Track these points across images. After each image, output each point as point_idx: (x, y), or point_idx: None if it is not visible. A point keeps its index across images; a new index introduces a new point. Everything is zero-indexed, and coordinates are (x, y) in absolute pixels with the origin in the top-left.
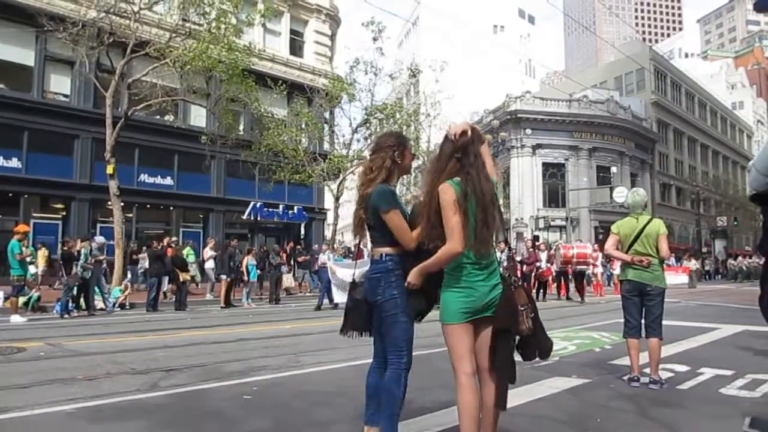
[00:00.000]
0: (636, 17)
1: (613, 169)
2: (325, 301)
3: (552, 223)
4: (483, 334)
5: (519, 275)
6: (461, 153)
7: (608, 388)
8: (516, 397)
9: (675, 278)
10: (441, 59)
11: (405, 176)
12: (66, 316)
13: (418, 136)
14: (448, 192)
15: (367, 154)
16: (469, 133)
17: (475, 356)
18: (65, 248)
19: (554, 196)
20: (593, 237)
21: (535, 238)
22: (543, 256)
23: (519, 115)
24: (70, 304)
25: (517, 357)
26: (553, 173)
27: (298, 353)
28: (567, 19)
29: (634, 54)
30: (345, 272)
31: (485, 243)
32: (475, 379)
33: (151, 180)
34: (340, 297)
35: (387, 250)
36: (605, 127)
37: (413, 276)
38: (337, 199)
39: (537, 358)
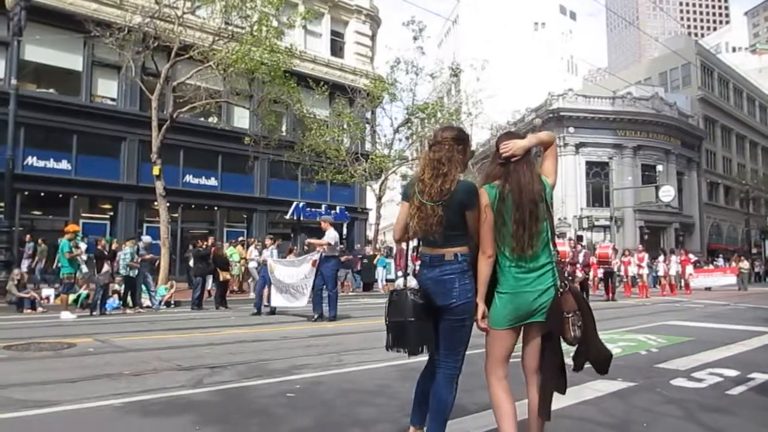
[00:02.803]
0: (681, 11)
1: (659, 168)
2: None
3: (596, 223)
4: (533, 337)
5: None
6: (504, 159)
7: (655, 392)
8: (559, 399)
9: (723, 279)
10: (482, 58)
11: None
12: (95, 312)
13: None
14: (482, 198)
15: (409, 153)
16: (519, 154)
17: (524, 358)
18: (98, 247)
19: (598, 196)
20: (638, 237)
21: (579, 238)
22: (580, 256)
23: (561, 114)
24: (116, 302)
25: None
26: (597, 172)
27: (339, 352)
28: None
29: (680, 49)
30: (284, 272)
31: (521, 244)
32: (507, 382)
33: (195, 181)
34: (279, 300)
35: (462, 249)
36: (650, 124)
37: (481, 303)
38: (379, 198)
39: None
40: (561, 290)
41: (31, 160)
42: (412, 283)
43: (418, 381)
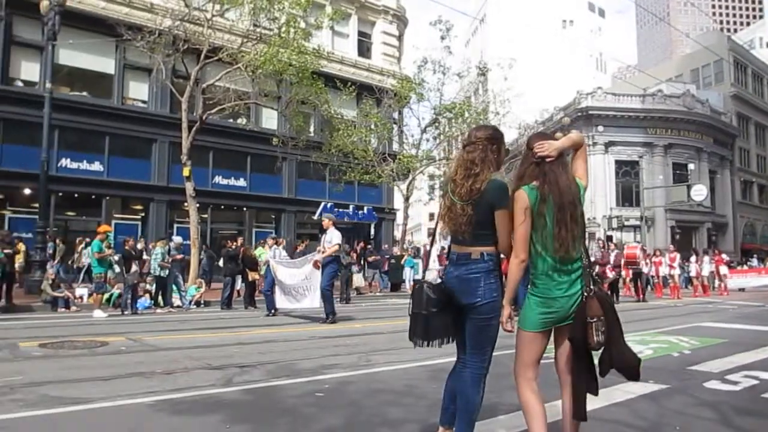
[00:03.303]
0: (713, 6)
1: (691, 166)
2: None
3: (626, 223)
4: (566, 339)
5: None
6: (539, 158)
7: (687, 394)
8: (590, 400)
9: (758, 280)
10: (509, 56)
11: None
12: (126, 312)
13: None
14: (519, 199)
15: (436, 153)
16: (554, 155)
17: (557, 360)
18: (126, 247)
19: (628, 195)
20: (669, 237)
21: (608, 238)
22: (611, 257)
23: (590, 112)
24: (148, 301)
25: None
26: (627, 171)
27: (368, 352)
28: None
29: (712, 45)
30: (286, 273)
31: (565, 246)
32: (536, 384)
33: (225, 182)
34: (282, 301)
35: (489, 249)
36: (681, 122)
37: (508, 306)
38: (406, 199)
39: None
40: (586, 295)
41: (65, 162)
42: (430, 277)
43: (447, 380)
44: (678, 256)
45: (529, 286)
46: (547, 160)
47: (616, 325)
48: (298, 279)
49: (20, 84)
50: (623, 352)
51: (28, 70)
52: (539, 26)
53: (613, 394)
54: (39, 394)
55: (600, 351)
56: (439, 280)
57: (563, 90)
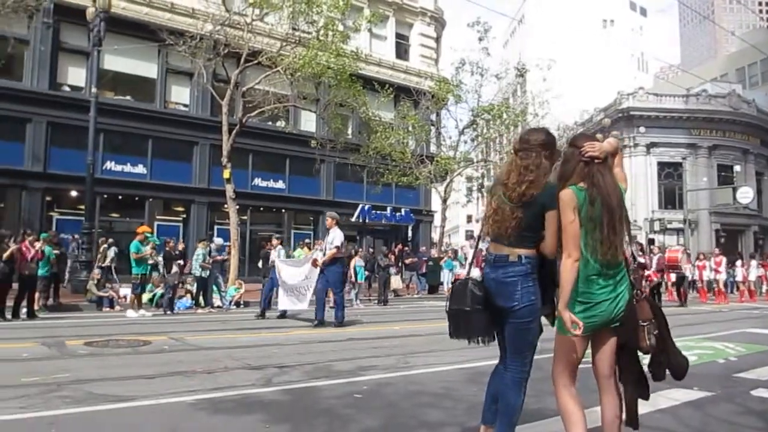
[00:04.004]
0: (759, 3)
1: (736, 168)
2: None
3: (668, 226)
4: (606, 342)
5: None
6: (589, 158)
7: (734, 402)
8: None
9: None
10: (548, 57)
11: None
12: (169, 312)
13: None
14: (568, 198)
15: (474, 155)
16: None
17: (595, 364)
18: (167, 248)
19: (670, 198)
20: (714, 240)
21: (650, 242)
22: (653, 261)
23: (632, 113)
24: (189, 301)
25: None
26: (669, 173)
27: (406, 354)
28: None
29: (759, 43)
30: (289, 273)
31: (614, 249)
32: (575, 389)
33: (264, 184)
34: (285, 303)
35: (528, 252)
36: (727, 123)
37: (564, 312)
38: (444, 201)
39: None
40: (637, 298)
41: (110, 165)
42: (475, 273)
43: (490, 380)
44: (724, 260)
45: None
46: (595, 161)
47: (665, 327)
48: (298, 279)
49: (67, 89)
50: (674, 352)
51: (75, 76)
52: (579, 26)
53: (656, 400)
54: (84, 391)
55: (649, 355)
56: (481, 279)
57: (604, 91)
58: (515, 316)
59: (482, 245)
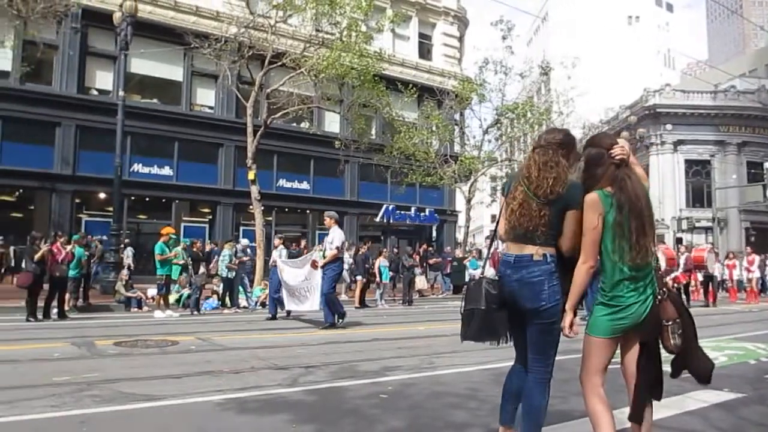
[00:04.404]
0: None
1: (767, 165)
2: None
3: (696, 225)
4: (634, 344)
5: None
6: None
7: (766, 404)
8: (663, 408)
9: None
10: (572, 55)
11: None
12: (195, 312)
13: None
14: (594, 203)
15: (498, 155)
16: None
17: (624, 365)
18: (193, 249)
19: (698, 196)
20: (744, 239)
21: (678, 241)
22: (681, 260)
23: (658, 110)
24: (215, 302)
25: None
26: (697, 171)
27: (431, 354)
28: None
29: None
30: (291, 273)
31: (644, 251)
32: (603, 390)
33: (288, 185)
34: (289, 303)
35: (551, 250)
36: (756, 119)
37: (571, 312)
38: (468, 200)
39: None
40: (659, 298)
41: (137, 167)
42: (490, 272)
43: (506, 379)
44: (757, 258)
45: (599, 292)
46: (619, 156)
47: (691, 327)
48: (299, 280)
49: (95, 93)
50: (699, 355)
51: (102, 79)
52: (604, 23)
53: (685, 402)
54: (114, 390)
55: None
56: (497, 278)
57: (629, 88)
58: (541, 317)
59: (499, 245)
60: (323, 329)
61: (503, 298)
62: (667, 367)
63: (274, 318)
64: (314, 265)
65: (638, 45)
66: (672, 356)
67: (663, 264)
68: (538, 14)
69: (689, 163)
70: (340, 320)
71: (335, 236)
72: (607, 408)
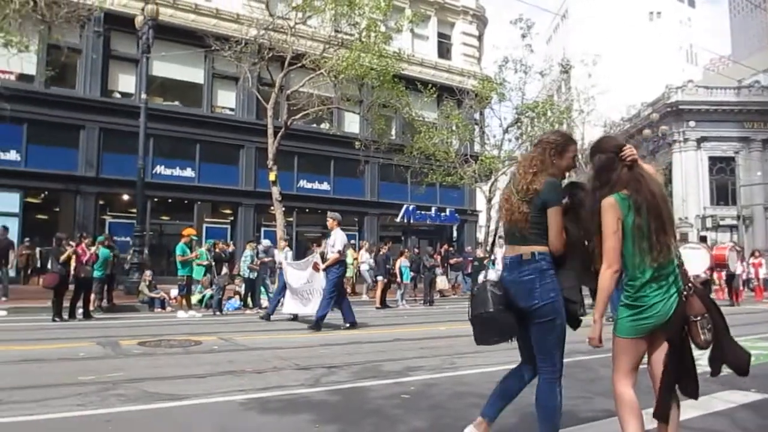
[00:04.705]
0: None
1: None
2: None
3: (721, 223)
4: (661, 343)
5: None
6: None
7: None
8: (690, 409)
9: None
10: (593, 52)
11: None
12: (218, 313)
13: (571, 133)
14: (611, 208)
15: (518, 154)
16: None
17: (652, 365)
18: (216, 250)
19: (723, 193)
20: None
21: (702, 239)
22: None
23: (680, 107)
24: (237, 302)
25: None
26: (721, 168)
27: (453, 355)
28: None
29: None
30: (295, 276)
31: (665, 250)
32: (634, 392)
33: (309, 185)
34: (291, 306)
35: (540, 248)
36: None
37: (599, 322)
38: (489, 200)
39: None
40: (685, 293)
41: (159, 169)
42: (492, 276)
43: (504, 377)
44: None
45: (623, 294)
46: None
47: (722, 320)
48: (301, 282)
49: (118, 96)
50: (733, 347)
51: (125, 82)
52: (624, 20)
53: (711, 403)
54: (138, 389)
55: (707, 350)
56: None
57: (651, 85)
58: (537, 315)
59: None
60: (345, 329)
61: (509, 299)
62: (705, 367)
63: (267, 319)
64: (316, 267)
65: (660, 41)
66: (707, 353)
67: (702, 264)
68: (557, 12)
69: (713, 160)
70: (313, 328)
71: (337, 239)
72: (636, 409)
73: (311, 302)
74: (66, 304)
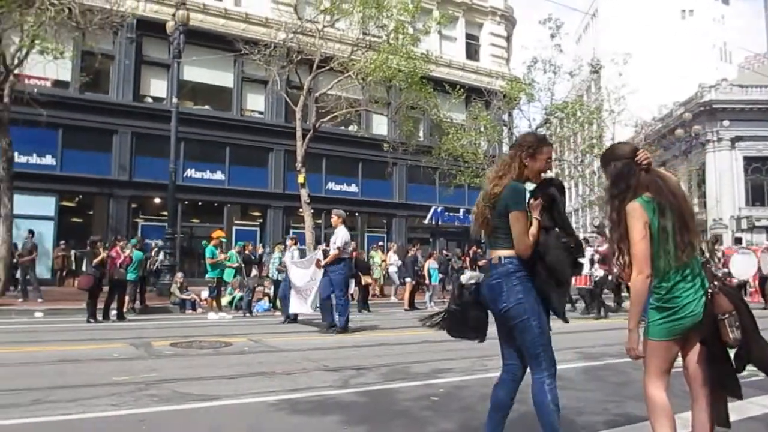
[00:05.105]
0: None
1: None
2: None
3: (756, 224)
4: (695, 343)
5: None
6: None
7: None
8: None
9: None
10: (623, 52)
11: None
12: (247, 314)
13: (601, 134)
14: (637, 212)
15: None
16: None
17: (686, 368)
18: (245, 252)
19: (758, 194)
20: None
21: (737, 241)
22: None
23: (714, 106)
24: (266, 304)
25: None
26: (757, 168)
27: (482, 357)
28: None
29: None
30: (297, 274)
31: (689, 248)
32: (667, 395)
33: (337, 187)
34: (297, 306)
35: (506, 252)
36: None
37: (635, 333)
38: None
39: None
40: (711, 292)
41: (190, 172)
42: (464, 277)
43: (495, 387)
44: None
45: (652, 297)
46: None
47: (750, 318)
48: (304, 281)
49: (149, 100)
50: (761, 345)
51: (156, 87)
52: (656, 18)
53: (746, 407)
54: (170, 390)
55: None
56: (472, 280)
57: (683, 84)
58: (509, 318)
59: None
60: (335, 332)
61: (473, 302)
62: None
63: (294, 320)
64: (318, 264)
65: (692, 39)
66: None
67: (750, 269)
68: (587, 11)
69: (748, 160)
70: (332, 329)
71: (338, 236)
72: (668, 412)
73: (309, 298)
74: (100, 305)
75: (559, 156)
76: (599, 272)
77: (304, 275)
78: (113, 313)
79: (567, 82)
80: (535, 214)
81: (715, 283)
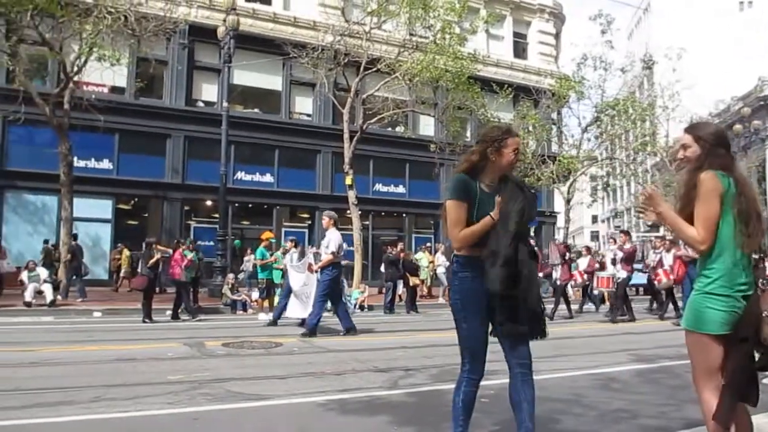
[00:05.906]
0: None
1: None
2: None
3: None
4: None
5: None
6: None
7: None
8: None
9: None
10: (678, 46)
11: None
12: None
13: (654, 131)
14: (713, 182)
15: (598, 153)
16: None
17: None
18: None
19: None
20: None
21: None
22: None
23: None
24: None
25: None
26: None
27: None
28: None
29: None
30: (296, 279)
31: (757, 240)
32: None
33: (384, 189)
34: (297, 310)
35: (458, 251)
36: None
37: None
38: (567, 201)
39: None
40: (761, 287)
41: (240, 175)
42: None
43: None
44: None
45: (705, 281)
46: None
47: None
48: (300, 284)
49: (201, 104)
50: None
51: (208, 92)
52: (712, 11)
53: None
54: (223, 389)
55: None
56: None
57: (742, 78)
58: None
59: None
60: (304, 336)
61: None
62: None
63: (274, 324)
64: (310, 269)
65: (751, 31)
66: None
67: None
68: (639, 5)
69: None
70: (307, 334)
71: (331, 239)
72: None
73: (308, 305)
74: (155, 306)
75: (611, 154)
76: (622, 273)
77: (299, 279)
78: (168, 313)
79: (618, 79)
80: (494, 212)
81: (765, 279)
